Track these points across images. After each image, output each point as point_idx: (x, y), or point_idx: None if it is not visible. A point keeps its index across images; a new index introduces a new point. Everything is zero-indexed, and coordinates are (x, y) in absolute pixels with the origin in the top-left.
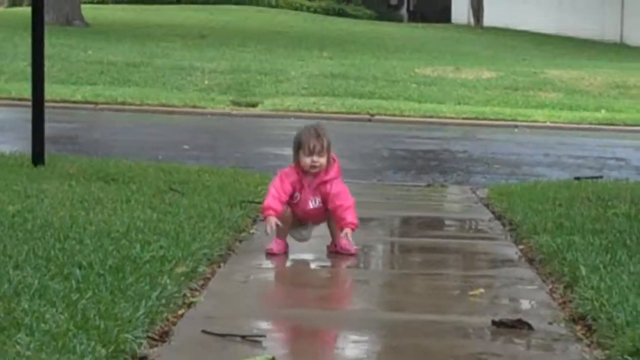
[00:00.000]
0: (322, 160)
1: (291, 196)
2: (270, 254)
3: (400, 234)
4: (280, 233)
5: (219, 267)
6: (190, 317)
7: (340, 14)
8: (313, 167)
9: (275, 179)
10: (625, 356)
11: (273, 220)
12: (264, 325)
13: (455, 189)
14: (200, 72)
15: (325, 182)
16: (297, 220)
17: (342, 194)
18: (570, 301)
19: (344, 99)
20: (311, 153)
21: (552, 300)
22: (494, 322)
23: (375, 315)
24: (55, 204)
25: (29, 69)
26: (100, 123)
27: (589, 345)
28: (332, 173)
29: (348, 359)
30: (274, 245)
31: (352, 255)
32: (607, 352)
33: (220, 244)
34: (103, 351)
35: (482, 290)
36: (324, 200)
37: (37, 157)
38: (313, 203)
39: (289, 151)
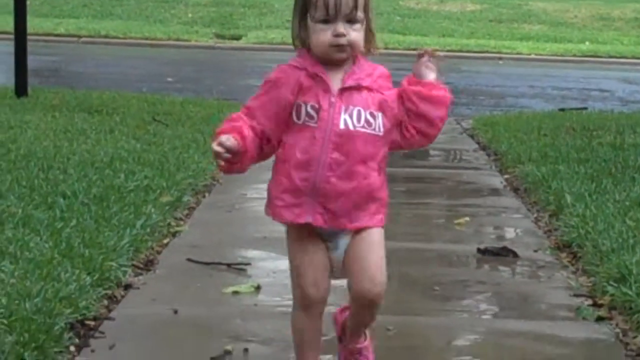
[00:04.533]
0: (355, 35)
1: (297, 115)
2: None
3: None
4: (308, 347)
5: (204, 196)
6: (175, 246)
7: None
8: (338, 45)
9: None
10: (611, 282)
11: (221, 139)
12: (249, 253)
13: None
14: (183, 5)
15: (367, 86)
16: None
17: None
18: (556, 229)
19: None
20: (331, 18)
21: (537, 229)
22: (479, 250)
23: None
24: (39, 135)
25: (11, 2)
26: (83, 56)
27: (574, 273)
28: (378, 70)
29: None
30: None
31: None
32: (592, 278)
33: (204, 173)
34: (88, 279)
35: (467, 218)
36: (382, 108)
37: (20, 88)
38: (349, 119)
39: None
